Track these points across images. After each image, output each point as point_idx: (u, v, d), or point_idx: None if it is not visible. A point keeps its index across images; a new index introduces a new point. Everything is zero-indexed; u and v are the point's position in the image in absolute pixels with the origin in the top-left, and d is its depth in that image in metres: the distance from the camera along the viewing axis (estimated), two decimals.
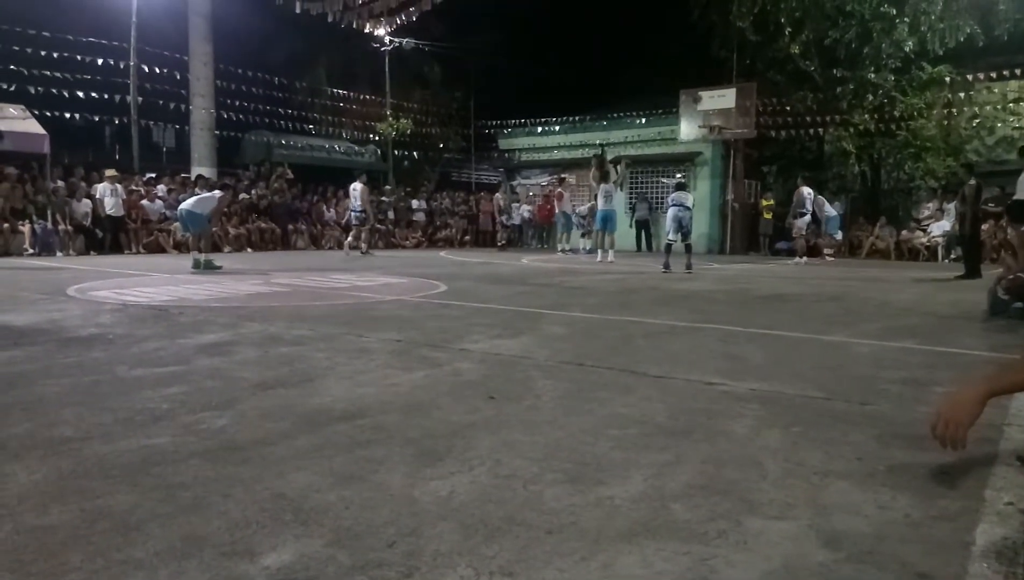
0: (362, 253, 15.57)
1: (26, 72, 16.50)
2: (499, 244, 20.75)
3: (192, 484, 2.07)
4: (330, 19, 15.13)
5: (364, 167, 26.23)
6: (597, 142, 23.30)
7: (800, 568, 1.64)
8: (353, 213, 16.11)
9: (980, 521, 1.91)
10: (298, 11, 14.38)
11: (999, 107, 18.25)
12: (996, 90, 18.23)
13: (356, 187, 15.96)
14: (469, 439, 2.54)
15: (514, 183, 25.61)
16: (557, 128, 24.78)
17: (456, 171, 32.67)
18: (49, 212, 14.56)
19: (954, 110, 18.73)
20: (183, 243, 15.98)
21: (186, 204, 11.49)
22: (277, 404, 2.98)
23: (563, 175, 21.06)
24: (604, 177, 15.35)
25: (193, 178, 18.49)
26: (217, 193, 11.85)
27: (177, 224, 15.93)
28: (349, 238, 16.36)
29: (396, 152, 26.74)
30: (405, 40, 25.23)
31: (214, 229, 13.16)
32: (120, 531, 1.74)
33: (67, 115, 17.39)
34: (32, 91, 16.48)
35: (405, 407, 2.98)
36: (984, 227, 11.40)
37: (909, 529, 1.86)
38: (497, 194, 21.48)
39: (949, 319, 6.41)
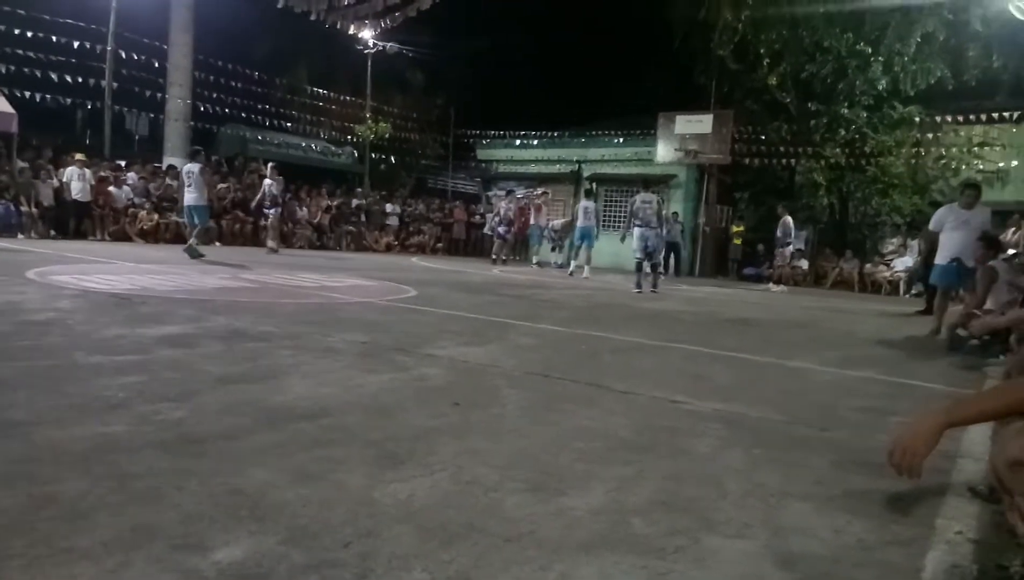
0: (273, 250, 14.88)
1: None
2: (495, 258, 18.44)
3: (146, 474, 2.02)
4: (313, 17, 15.06)
5: (340, 168, 26.12)
6: (574, 159, 23.48)
7: None
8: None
9: (931, 548, 1.95)
10: (280, 6, 14.24)
11: (965, 149, 18.80)
12: (963, 133, 18.80)
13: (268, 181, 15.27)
14: (432, 444, 2.52)
15: (490, 193, 25.66)
16: (535, 142, 24.92)
17: (433, 178, 32.64)
18: (13, 192, 14.22)
19: (922, 150, 19.24)
20: (149, 232, 15.76)
21: (188, 200, 11.99)
22: (238, 399, 2.93)
23: (543, 189, 21.09)
24: (586, 194, 15.47)
25: (164, 168, 18.20)
26: (196, 166, 12.16)
27: (143, 213, 15.75)
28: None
29: (373, 155, 26.62)
30: (388, 44, 25.18)
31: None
32: (67, 518, 1.69)
33: (38, 96, 17.01)
34: (3, 69, 16.10)
35: (368, 409, 2.94)
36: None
37: (863, 553, 1.89)
38: (503, 203, 18.97)
39: (909, 352, 6.54)
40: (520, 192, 23.75)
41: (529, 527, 1.87)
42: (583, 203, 15.33)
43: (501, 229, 18.43)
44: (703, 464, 2.55)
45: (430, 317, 6.36)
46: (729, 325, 7.83)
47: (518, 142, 25.32)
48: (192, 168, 12.13)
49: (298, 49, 25.94)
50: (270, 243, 15.11)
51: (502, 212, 18.49)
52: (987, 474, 1.86)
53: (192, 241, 11.68)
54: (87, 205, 15.07)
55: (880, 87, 18.81)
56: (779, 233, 15.88)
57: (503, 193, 20.40)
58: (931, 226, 8.19)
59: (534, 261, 18.60)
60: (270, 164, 16.00)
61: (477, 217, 24.37)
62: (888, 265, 18.58)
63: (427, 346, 4.56)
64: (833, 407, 3.69)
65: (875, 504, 2.27)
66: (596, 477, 2.31)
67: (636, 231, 11.57)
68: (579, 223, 15.04)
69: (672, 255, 19.59)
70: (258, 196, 15.54)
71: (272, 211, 15.07)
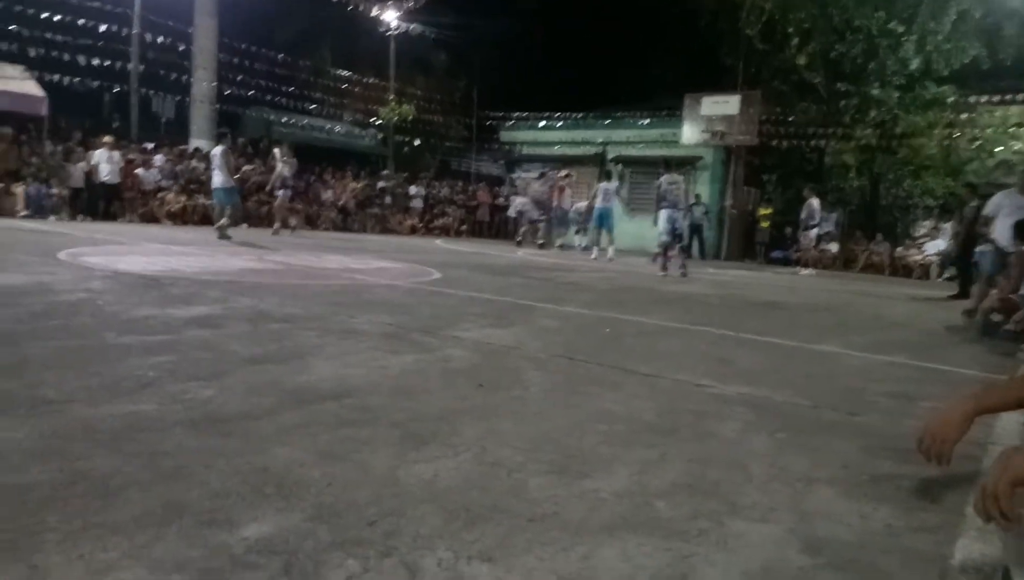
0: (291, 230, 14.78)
1: (27, 33, 16.31)
2: (520, 240, 18.34)
3: (175, 452, 2.05)
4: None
5: (364, 150, 26.18)
6: (599, 141, 23.30)
7: (779, 572, 1.64)
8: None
9: (960, 536, 1.92)
10: None
11: (1000, 130, 18.34)
12: (998, 114, 18.33)
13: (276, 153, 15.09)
14: (455, 425, 2.53)
15: (514, 176, 25.58)
16: (559, 124, 24.74)
17: (456, 160, 32.59)
18: (44, 175, 14.44)
19: (955, 131, 18.79)
20: (177, 214, 15.95)
21: (216, 183, 12.22)
22: (264, 379, 2.96)
23: (567, 171, 20.91)
24: (607, 176, 15.33)
25: (191, 150, 18.37)
26: (219, 149, 12.38)
27: (171, 195, 15.94)
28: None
29: (397, 137, 26.64)
30: (412, 25, 25.10)
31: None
32: (99, 494, 1.73)
33: (67, 79, 17.20)
34: (32, 52, 16.29)
35: (393, 390, 2.96)
36: (978, 248, 11.40)
37: (889, 539, 1.87)
38: (536, 184, 18.57)
39: (940, 336, 6.44)
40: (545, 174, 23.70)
41: (552, 508, 1.87)
42: (602, 185, 15.17)
43: (536, 213, 18.10)
44: (728, 448, 2.54)
45: (454, 299, 6.38)
46: (755, 308, 7.76)
47: (542, 124, 25.16)
48: (216, 151, 12.37)
49: (322, 31, 25.97)
50: (276, 225, 14.82)
51: (537, 194, 18.06)
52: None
53: (224, 221, 11.86)
54: (116, 187, 15.28)
55: (912, 67, 18.39)
56: (803, 215, 15.68)
57: (536, 175, 20.25)
58: (987, 211, 8.05)
59: (557, 243, 18.54)
60: (282, 146, 15.57)
61: (501, 199, 24.33)
62: (920, 248, 18.28)
63: (451, 328, 4.58)
64: (861, 392, 3.65)
65: (903, 490, 2.24)
66: (620, 460, 2.31)
67: (663, 213, 11.52)
68: (597, 204, 14.85)
69: (695, 238, 19.46)
70: (272, 178, 15.22)
71: (280, 192, 14.77)
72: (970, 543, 1.88)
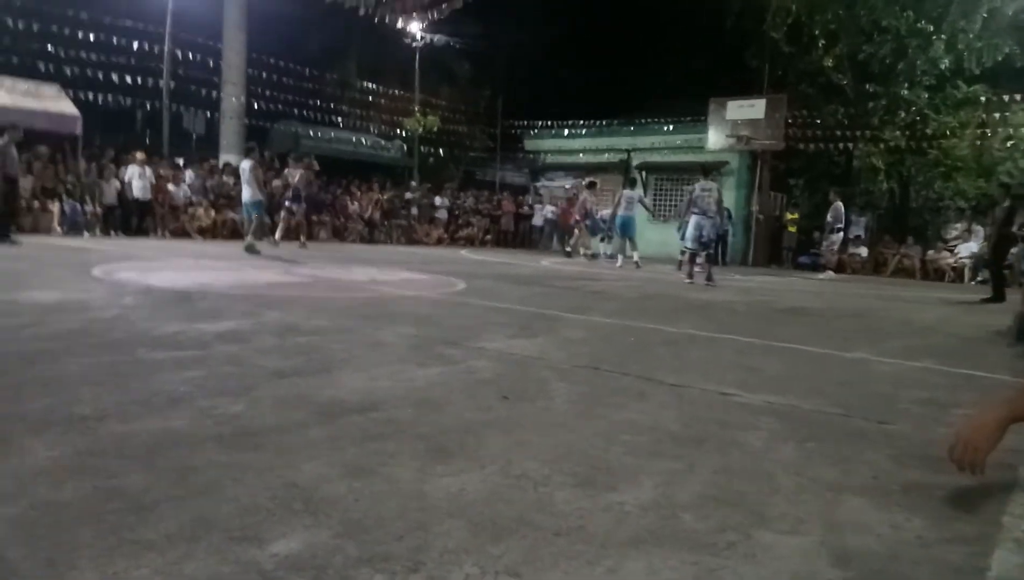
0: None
1: (62, 53, 16.74)
2: (586, 252, 17.62)
3: (205, 468, 2.09)
4: (362, 12, 15.20)
5: (389, 161, 26.38)
6: (623, 147, 23.25)
7: None
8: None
9: (997, 547, 1.88)
10: (329, 1, 14.37)
11: None
12: None
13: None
14: (481, 437, 2.54)
15: (538, 184, 25.61)
16: (584, 132, 24.75)
17: (481, 170, 32.70)
18: (78, 192, 14.77)
19: (988, 131, 18.44)
20: (207, 229, 16.20)
21: (245, 197, 12.42)
22: (293, 393, 3.00)
23: (592, 179, 20.84)
24: (631, 184, 15.28)
25: (221, 165, 18.65)
26: (246, 163, 12.47)
27: (200, 210, 16.20)
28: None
29: (422, 148, 26.82)
30: (436, 36, 25.28)
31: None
32: (132, 511, 1.76)
33: (100, 97, 17.60)
34: (67, 72, 16.71)
35: (419, 402, 2.98)
36: (1013, 250, 11.20)
37: (922, 551, 1.84)
38: (585, 193, 17.96)
39: (973, 341, 6.32)
40: (568, 182, 23.68)
41: (578, 521, 1.87)
42: (625, 192, 15.12)
43: (587, 222, 17.75)
44: (755, 458, 2.51)
45: (479, 310, 6.40)
46: (782, 315, 7.68)
47: (566, 132, 25.18)
48: (244, 165, 12.48)
49: (347, 44, 26.25)
50: (302, 237, 14.43)
51: (587, 204, 17.64)
52: None
53: (249, 238, 12.00)
54: (148, 203, 15.58)
55: (942, 66, 18.09)
56: (829, 218, 15.51)
57: (581, 182, 20.10)
58: None
59: (581, 252, 18.51)
60: (303, 159, 15.26)
61: (526, 208, 24.38)
62: (952, 251, 17.94)
63: (476, 339, 4.59)
64: (891, 399, 3.60)
65: (936, 500, 2.20)
66: (645, 471, 2.30)
67: (692, 219, 11.23)
68: (620, 212, 14.78)
69: (719, 244, 19.28)
70: (287, 192, 14.58)
71: (296, 206, 14.22)
72: (1008, 555, 1.84)
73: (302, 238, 14.57)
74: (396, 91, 25.40)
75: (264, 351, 3.85)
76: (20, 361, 3.31)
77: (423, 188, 23.31)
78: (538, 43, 27.91)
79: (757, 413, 3.13)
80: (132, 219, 15.45)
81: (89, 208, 14.73)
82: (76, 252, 10.29)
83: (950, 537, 1.93)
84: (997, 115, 18.22)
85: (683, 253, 11.74)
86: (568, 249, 17.96)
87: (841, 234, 15.86)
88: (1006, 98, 17.92)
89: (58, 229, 14.06)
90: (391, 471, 2.16)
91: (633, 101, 25.53)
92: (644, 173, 21.66)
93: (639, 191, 15.50)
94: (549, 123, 25.63)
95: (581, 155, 24.43)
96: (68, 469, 2.02)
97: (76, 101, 16.24)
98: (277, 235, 13.82)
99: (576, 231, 17.95)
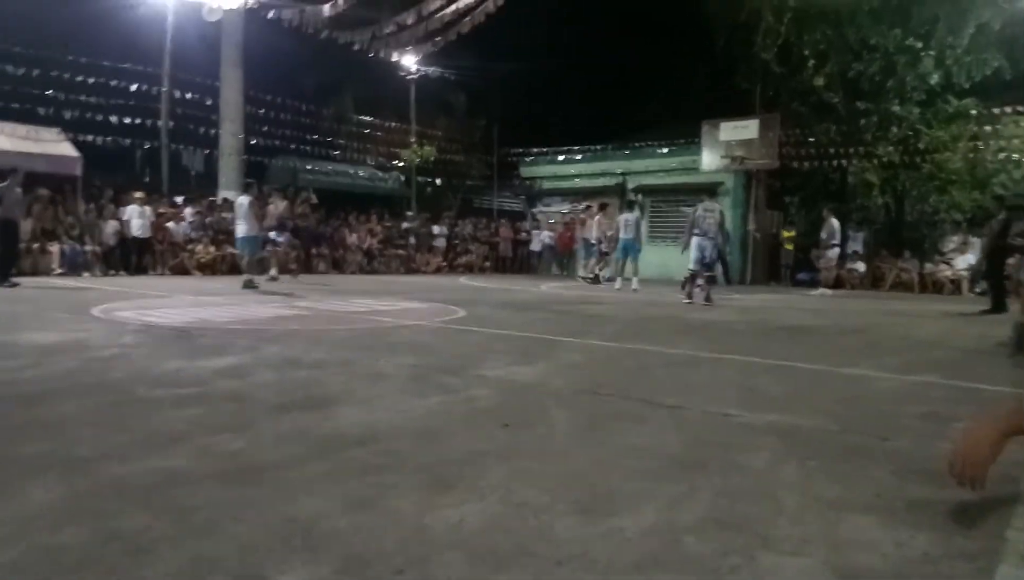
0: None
1: (62, 97, 16.93)
2: (598, 274, 17.21)
3: (205, 506, 2.08)
4: (357, 47, 15.38)
5: (387, 192, 26.52)
6: (619, 171, 23.40)
7: None
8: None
9: (1001, 562, 1.87)
10: (324, 36, 14.56)
11: None
12: (1023, 124, 18.09)
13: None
14: (481, 467, 2.53)
15: (535, 210, 25.73)
16: (579, 157, 24.93)
17: (478, 197, 32.85)
18: (77, 233, 14.84)
19: (980, 143, 18.57)
20: (207, 265, 16.25)
21: (238, 232, 12.39)
22: (293, 428, 3.00)
23: (590, 204, 20.85)
24: (629, 206, 15.32)
25: (220, 201, 18.76)
26: (244, 199, 12.42)
27: (200, 247, 16.25)
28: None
29: (419, 178, 26.98)
30: (431, 68, 25.56)
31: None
32: (132, 552, 1.75)
33: (100, 139, 17.76)
34: (67, 115, 16.89)
35: (418, 433, 2.98)
36: (1010, 261, 11.21)
37: (927, 567, 1.83)
38: (599, 216, 17.52)
39: (973, 354, 6.31)
40: (566, 208, 23.77)
41: (580, 549, 1.86)
42: (623, 216, 15.19)
43: (604, 246, 17.28)
44: (757, 479, 2.51)
45: (479, 337, 6.40)
46: (782, 333, 7.68)
47: (561, 158, 25.37)
48: (243, 201, 12.51)
49: (344, 79, 26.50)
50: (273, 270, 13.98)
51: (603, 226, 17.14)
52: None
53: (246, 274, 11.99)
54: (147, 241, 15.64)
55: (932, 81, 18.29)
56: (823, 235, 15.54)
57: (578, 207, 19.99)
58: None
59: (579, 275, 18.52)
60: (274, 190, 15.31)
61: (523, 234, 24.48)
62: (949, 264, 17.96)
63: (476, 367, 4.59)
64: (893, 415, 3.59)
65: (940, 516, 2.18)
66: (647, 496, 2.29)
67: (694, 241, 11.31)
68: (620, 236, 14.88)
69: (722, 263, 19.26)
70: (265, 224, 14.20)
71: (281, 238, 14.34)
72: (1012, 570, 1.83)
73: (285, 268, 14.54)
74: (392, 123, 25.62)
75: (264, 386, 3.85)
76: (19, 403, 3.31)
77: (421, 217, 23.42)
78: (533, 72, 28.20)
79: (758, 433, 3.12)
80: (132, 257, 15.51)
81: (89, 248, 14.79)
82: (76, 292, 10.31)
83: (955, 553, 1.92)
84: (988, 128, 18.36)
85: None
86: (589, 274, 17.70)
87: (837, 250, 15.86)
88: (996, 111, 18.09)
89: (58, 269, 14.09)
90: (391, 503, 2.16)
91: (627, 125, 25.76)
92: (640, 196, 21.77)
93: (636, 213, 15.54)
94: (545, 149, 25.82)
95: (577, 180, 24.57)
96: (67, 511, 2.01)
97: (76, 143, 16.38)
98: (273, 270, 13.85)
99: (598, 254, 17.66)
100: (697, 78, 24.54)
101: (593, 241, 17.75)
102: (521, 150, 26.55)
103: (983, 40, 17.66)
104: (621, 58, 29.68)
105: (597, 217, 17.63)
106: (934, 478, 2.46)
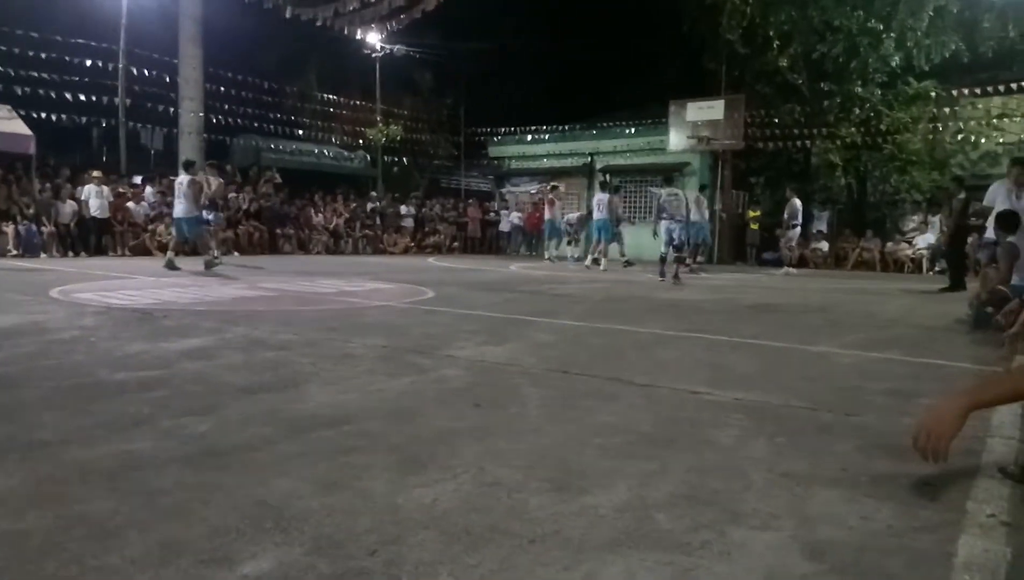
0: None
1: (12, 73, 16.35)
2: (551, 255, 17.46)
3: (172, 490, 2.05)
4: (320, 24, 15.09)
5: (353, 172, 26.22)
6: (586, 152, 23.42)
7: (783, 579, 1.64)
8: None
9: (962, 533, 1.92)
10: (288, 15, 14.29)
11: (983, 122, 18.50)
12: (980, 106, 18.51)
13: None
14: (453, 446, 2.53)
15: (503, 190, 25.67)
16: (547, 137, 24.89)
17: (446, 178, 32.68)
18: (33, 213, 14.43)
19: (939, 125, 18.96)
20: (168, 246, 15.89)
21: (177, 211, 11.54)
22: (261, 410, 2.96)
23: (555, 184, 20.86)
24: (601, 187, 15.38)
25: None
26: (185, 177, 11.52)
27: (161, 227, 15.88)
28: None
29: (385, 158, 26.71)
30: (396, 47, 25.22)
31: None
32: (97, 537, 1.72)
33: (54, 116, 17.22)
34: (19, 92, 16.32)
35: (390, 414, 2.96)
36: (969, 240, 11.49)
37: (892, 540, 1.87)
38: (598, 196, 16.28)
39: (933, 331, 6.46)
40: (534, 188, 23.73)
41: (553, 527, 1.87)
42: (597, 196, 15.31)
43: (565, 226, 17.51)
44: (726, 455, 2.54)
45: (448, 317, 6.38)
46: (749, 312, 7.78)
47: (529, 138, 25.31)
48: (182, 180, 11.59)
49: (307, 56, 26.07)
50: (212, 252, 12.51)
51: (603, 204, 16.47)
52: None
53: (208, 256, 11.41)
54: (106, 221, 15.27)
55: (894, 64, 18.58)
56: (785, 215, 15.75)
57: (546, 187, 19.86)
58: (985, 201, 8.34)
59: (547, 256, 18.55)
60: (207, 166, 14.08)
61: (492, 214, 24.42)
62: (910, 243, 18.36)
63: (446, 347, 4.57)
64: (857, 391, 3.66)
65: (903, 489, 2.23)
66: (619, 473, 2.31)
67: (663, 224, 11.91)
68: (594, 216, 15.03)
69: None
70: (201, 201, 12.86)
71: (211, 217, 13.52)
72: (973, 540, 1.87)
73: (219, 250, 13.78)
74: (358, 102, 25.28)
75: (230, 368, 3.78)
76: None
77: (387, 197, 23.21)
78: (499, 51, 28.02)
79: (727, 410, 3.16)
80: (91, 238, 15.13)
81: (45, 229, 14.39)
82: (33, 273, 10.04)
83: (919, 525, 1.97)
84: (947, 109, 18.74)
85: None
86: (553, 255, 17.89)
87: (798, 230, 16.08)
88: (955, 93, 18.45)
89: (13, 251, 13.70)
90: (363, 484, 2.14)
91: (595, 105, 25.76)
92: (608, 176, 21.84)
93: (607, 194, 15.55)
94: (512, 129, 25.73)
95: (545, 160, 24.55)
96: (28, 496, 1.96)
97: (29, 121, 15.87)
98: (214, 251, 12.87)
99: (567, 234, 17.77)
100: (665, 58, 24.60)
101: (558, 222, 17.84)
102: (488, 129, 26.41)
103: (942, 23, 17.98)
104: (590, 38, 29.62)
105: (550, 197, 17.90)
106: (898, 452, 2.51)
